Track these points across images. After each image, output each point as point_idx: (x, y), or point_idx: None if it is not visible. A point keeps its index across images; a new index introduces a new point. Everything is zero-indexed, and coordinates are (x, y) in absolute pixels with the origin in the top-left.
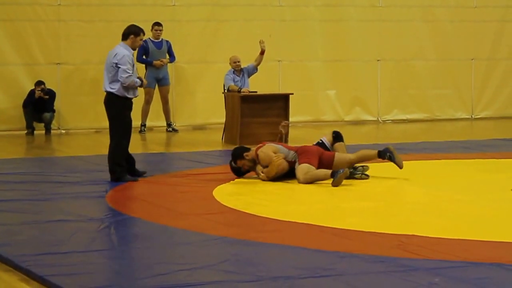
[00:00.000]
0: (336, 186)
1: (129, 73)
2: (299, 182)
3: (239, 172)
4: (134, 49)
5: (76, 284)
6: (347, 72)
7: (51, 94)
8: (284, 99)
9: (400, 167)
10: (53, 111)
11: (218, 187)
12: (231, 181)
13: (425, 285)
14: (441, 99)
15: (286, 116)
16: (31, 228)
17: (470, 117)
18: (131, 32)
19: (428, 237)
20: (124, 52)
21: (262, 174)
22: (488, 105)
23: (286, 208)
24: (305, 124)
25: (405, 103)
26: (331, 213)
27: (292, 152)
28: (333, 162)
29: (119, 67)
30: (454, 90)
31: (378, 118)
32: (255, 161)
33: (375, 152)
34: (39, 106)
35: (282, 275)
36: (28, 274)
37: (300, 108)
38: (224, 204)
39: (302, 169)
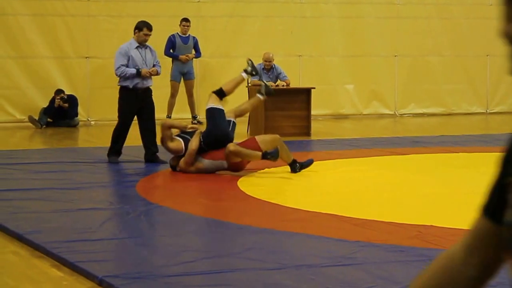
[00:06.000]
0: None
1: (117, 65)
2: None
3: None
4: (140, 43)
5: (106, 270)
6: (365, 67)
7: (72, 101)
8: (306, 93)
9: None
10: (76, 115)
11: (243, 177)
12: (256, 172)
13: None
14: (457, 93)
15: (308, 109)
16: (62, 215)
17: (485, 111)
18: (136, 27)
19: (445, 227)
20: (121, 45)
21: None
22: (502, 100)
23: (308, 198)
24: (324, 117)
25: (421, 97)
26: (352, 204)
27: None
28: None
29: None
30: (469, 85)
31: (395, 112)
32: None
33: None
34: (61, 113)
35: (305, 263)
36: (60, 260)
37: (319, 101)
38: (248, 194)
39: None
